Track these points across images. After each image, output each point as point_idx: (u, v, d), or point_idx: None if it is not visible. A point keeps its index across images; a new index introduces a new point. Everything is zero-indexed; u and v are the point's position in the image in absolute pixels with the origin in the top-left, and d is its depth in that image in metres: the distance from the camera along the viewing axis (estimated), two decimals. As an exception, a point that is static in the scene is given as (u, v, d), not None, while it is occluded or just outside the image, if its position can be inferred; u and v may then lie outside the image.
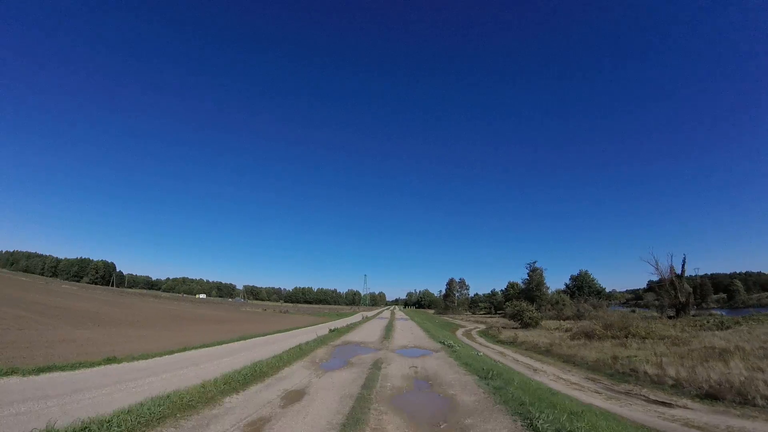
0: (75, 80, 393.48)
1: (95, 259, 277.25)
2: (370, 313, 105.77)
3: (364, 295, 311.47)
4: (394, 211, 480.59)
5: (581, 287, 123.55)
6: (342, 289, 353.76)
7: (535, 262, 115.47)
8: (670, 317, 63.34)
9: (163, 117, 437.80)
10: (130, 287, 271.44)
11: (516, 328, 65.07)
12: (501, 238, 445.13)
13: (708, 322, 50.92)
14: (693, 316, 64.87)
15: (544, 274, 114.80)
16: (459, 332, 62.25)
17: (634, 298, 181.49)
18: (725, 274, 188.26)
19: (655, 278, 73.59)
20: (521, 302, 70.36)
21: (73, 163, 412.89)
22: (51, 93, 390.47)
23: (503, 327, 69.82)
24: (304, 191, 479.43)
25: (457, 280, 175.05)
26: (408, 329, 50.19)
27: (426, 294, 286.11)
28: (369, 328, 47.53)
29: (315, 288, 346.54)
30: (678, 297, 65.97)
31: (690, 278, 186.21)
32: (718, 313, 79.86)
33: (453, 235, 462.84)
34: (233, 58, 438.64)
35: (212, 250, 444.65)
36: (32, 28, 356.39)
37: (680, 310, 64.93)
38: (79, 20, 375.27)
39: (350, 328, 46.71)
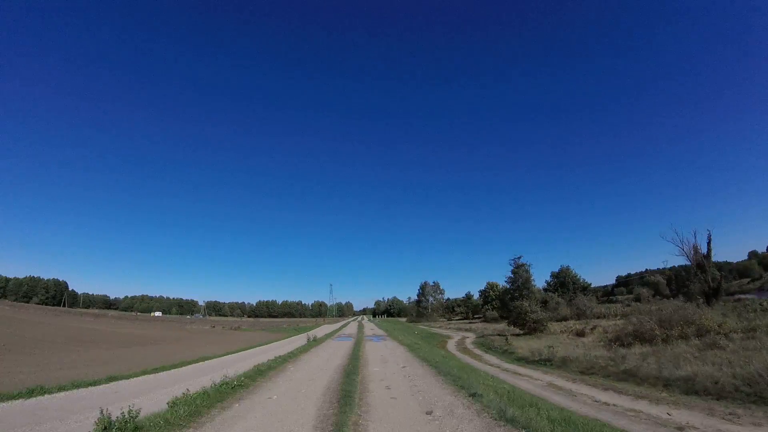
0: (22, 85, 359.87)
1: (46, 278, 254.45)
2: (333, 327, 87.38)
3: (331, 306, 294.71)
4: (358, 217, 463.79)
5: (564, 283, 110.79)
6: (308, 300, 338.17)
7: (520, 257, 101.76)
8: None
9: (119, 126, 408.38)
10: (85, 307, 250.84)
11: (518, 335, 51.71)
12: (471, 240, 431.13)
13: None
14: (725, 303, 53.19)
15: (531, 271, 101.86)
16: (450, 345, 48.30)
17: (604, 294, 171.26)
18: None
19: (680, 260, 60.94)
20: (522, 302, 56.82)
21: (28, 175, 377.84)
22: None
23: (499, 334, 56.46)
24: (267, 202, 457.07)
25: (431, 283, 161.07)
26: (389, 354, 32.11)
27: (395, 301, 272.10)
28: (328, 353, 33.36)
29: (280, 301, 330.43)
30: (708, 282, 53.69)
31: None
32: (751, 297, 68.62)
33: (421, 238, 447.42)
34: (204, 63, 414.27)
35: (174, 267, 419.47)
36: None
37: (711, 296, 52.59)
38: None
39: (302, 350, 32.92)
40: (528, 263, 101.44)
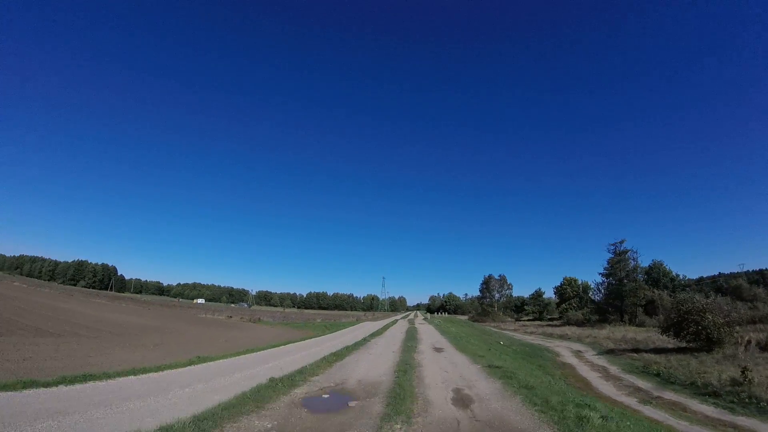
0: (74, 82, 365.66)
1: (94, 262, 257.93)
2: (376, 325, 64.92)
3: (382, 300, 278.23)
4: (412, 210, 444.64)
5: (657, 280, 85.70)
6: (360, 293, 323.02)
7: (622, 242, 78.27)
8: None
9: (170, 122, 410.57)
10: (137, 292, 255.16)
11: (683, 350, 30.72)
12: (536, 235, 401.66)
13: None
14: None
15: (639, 260, 77.47)
16: (582, 371, 27.14)
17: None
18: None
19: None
20: (693, 297, 34.68)
21: (81, 170, 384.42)
22: (48, 95, 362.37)
23: (634, 349, 35.64)
24: (320, 196, 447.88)
25: (496, 277, 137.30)
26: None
27: (451, 297, 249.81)
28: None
29: (330, 293, 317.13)
30: None
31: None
32: None
33: (480, 231, 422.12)
34: (235, 64, 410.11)
35: (229, 257, 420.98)
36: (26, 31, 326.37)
37: None
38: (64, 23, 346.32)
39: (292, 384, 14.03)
40: (634, 249, 78.34)
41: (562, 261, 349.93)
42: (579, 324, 79.57)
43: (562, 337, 56.68)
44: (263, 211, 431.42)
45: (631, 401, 19.65)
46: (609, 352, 37.05)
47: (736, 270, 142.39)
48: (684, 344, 33.95)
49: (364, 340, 32.23)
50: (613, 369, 28.11)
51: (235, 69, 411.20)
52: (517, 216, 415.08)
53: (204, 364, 17.48)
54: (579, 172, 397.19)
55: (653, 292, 72.65)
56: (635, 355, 33.32)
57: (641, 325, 66.13)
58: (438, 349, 27.43)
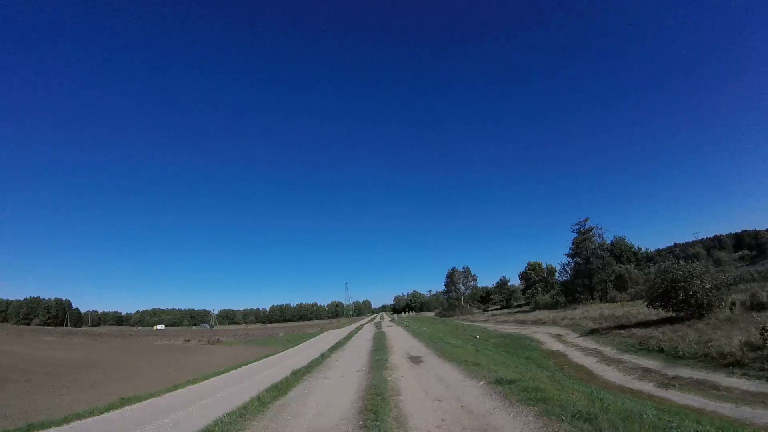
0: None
1: (46, 298, 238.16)
2: (343, 332, 58.81)
3: (347, 306, 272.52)
4: (371, 212, 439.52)
5: (620, 255, 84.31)
6: (324, 301, 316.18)
7: (586, 220, 76.45)
8: None
9: (115, 140, 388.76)
10: (94, 325, 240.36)
11: (669, 321, 28.28)
12: (490, 226, 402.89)
13: None
14: None
15: (604, 235, 75.58)
16: (586, 362, 23.18)
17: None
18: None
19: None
20: (679, 264, 31.68)
21: (26, 203, 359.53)
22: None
23: (620, 326, 33.21)
24: (278, 205, 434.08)
25: (460, 269, 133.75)
26: None
27: (415, 295, 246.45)
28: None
29: (294, 304, 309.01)
30: None
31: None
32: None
33: (437, 229, 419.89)
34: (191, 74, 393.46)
35: (187, 279, 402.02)
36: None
37: None
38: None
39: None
40: (599, 226, 76.73)
41: (525, 247, 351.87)
42: (549, 307, 77.34)
43: (536, 322, 53.77)
44: (218, 228, 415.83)
45: (649, 387, 16.17)
46: (593, 332, 33.96)
47: (691, 239, 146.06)
48: (671, 314, 31.25)
49: (322, 357, 24.20)
50: (607, 350, 24.79)
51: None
52: (476, 208, 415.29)
53: (121, 410, 12.88)
54: (532, 158, 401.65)
55: (620, 267, 71.11)
56: (623, 331, 30.25)
57: (613, 300, 64.29)
58: (415, 359, 20.18)
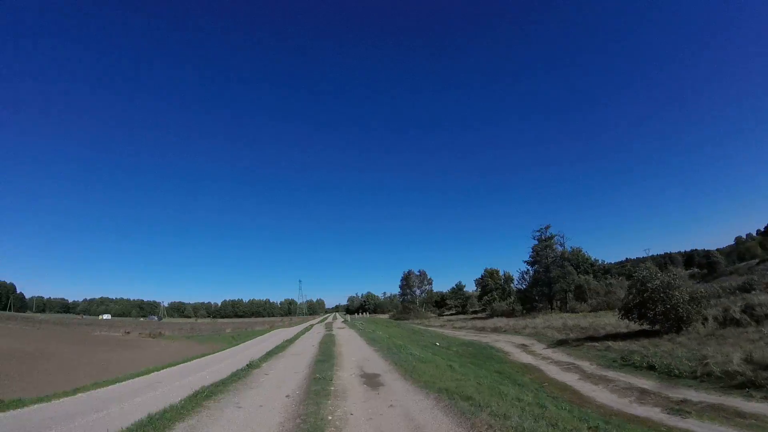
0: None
1: None
2: (292, 331, 54.51)
3: (300, 304, 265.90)
4: (328, 210, 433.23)
5: (577, 266, 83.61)
6: (278, 298, 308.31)
7: (547, 227, 74.68)
8: None
9: (68, 123, 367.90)
10: (39, 311, 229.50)
11: (646, 334, 26.10)
12: (447, 231, 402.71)
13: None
14: None
15: (568, 243, 73.81)
16: (582, 386, 19.50)
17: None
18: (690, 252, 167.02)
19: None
20: (658, 274, 29.11)
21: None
22: None
23: (590, 337, 30.80)
24: (230, 200, 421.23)
25: (416, 272, 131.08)
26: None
27: (370, 297, 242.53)
28: None
29: (247, 300, 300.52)
30: None
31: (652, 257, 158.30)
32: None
33: (394, 231, 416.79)
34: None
35: (137, 268, 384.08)
36: None
37: None
38: None
39: None
40: (560, 233, 75.09)
41: (481, 254, 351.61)
42: (506, 315, 75.42)
43: (496, 330, 51.09)
44: (170, 219, 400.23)
45: (657, 414, 13.02)
46: (561, 344, 31.16)
47: (642, 255, 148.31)
48: (646, 326, 28.88)
49: (249, 367, 18.42)
50: (586, 365, 21.70)
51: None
52: (433, 211, 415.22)
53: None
54: (491, 164, 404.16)
55: (580, 277, 69.72)
56: (596, 344, 27.47)
57: (573, 311, 62.71)
58: (371, 379, 14.73)
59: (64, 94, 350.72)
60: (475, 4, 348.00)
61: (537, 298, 72.66)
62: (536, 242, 74.60)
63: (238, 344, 38.43)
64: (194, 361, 24.00)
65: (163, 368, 20.21)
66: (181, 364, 22.18)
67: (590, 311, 58.81)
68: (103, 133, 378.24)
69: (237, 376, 15.77)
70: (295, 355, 23.74)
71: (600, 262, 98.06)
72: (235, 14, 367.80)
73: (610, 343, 26.58)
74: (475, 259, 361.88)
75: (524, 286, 79.03)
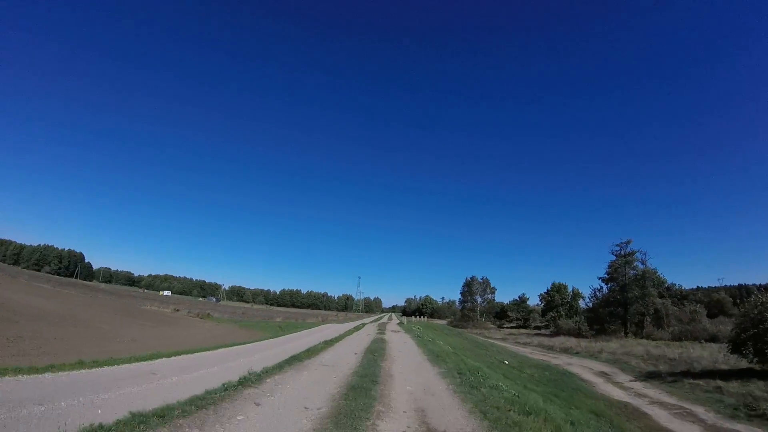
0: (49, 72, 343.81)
1: (61, 248, 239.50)
2: (341, 328, 48.81)
3: (357, 301, 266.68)
4: (391, 211, 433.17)
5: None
6: (335, 292, 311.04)
7: (629, 242, 68.77)
8: None
9: (147, 111, 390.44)
10: (106, 281, 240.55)
11: (751, 375, 22.42)
12: (512, 241, 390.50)
13: None
14: None
15: (648, 263, 67.27)
16: None
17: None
18: None
19: None
20: None
21: (55, 156, 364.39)
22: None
23: (700, 374, 27.13)
24: (299, 193, 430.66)
25: (479, 279, 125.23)
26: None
27: (427, 300, 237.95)
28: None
29: (305, 291, 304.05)
30: None
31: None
32: None
33: (456, 236, 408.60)
34: (224, 63, 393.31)
35: (203, 250, 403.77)
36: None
37: None
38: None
39: None
40: (641, 250, 68.20)
41: (546, 267, 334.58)
42: (573, 335, 70.31)
43: (566, 351, 47.13)
44: (239, 206, 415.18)
45: None
46: (652, 377, 27.36)
47: (715, 284, 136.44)
48: (756, 365, 24.56)
49: (256, 378, 11.96)
50: (700, 411, 18.23)
51: (223, 67, 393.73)
52: (499, 221, 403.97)
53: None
54: (565, 180, 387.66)
55: (659, 300, 63.39)
56: (699, 383, 23.62)
57: (649, 337, 57.03)
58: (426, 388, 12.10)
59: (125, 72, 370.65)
60: None
61: (607, 319, 66.95)
62: (614, 258, 68.54)
63: (282, 335, 36.67)
64: (216, 350, 21.17)
65: (193, 352, 18.41)
66: (216, 350, 20.62)
67: (671, 339, 53.30)
68: (179, 122, 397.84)
69: (224, 394, 9.90)
70: (326, 366, 16.39)
71: (677, 286, 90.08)
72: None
73: (719, 383, 22.66)
74: (539, 273, 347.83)
75: (595, 305, 73.36)
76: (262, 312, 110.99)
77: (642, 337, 57.55)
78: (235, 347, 22.93)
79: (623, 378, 28.39)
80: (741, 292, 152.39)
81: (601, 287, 73.36)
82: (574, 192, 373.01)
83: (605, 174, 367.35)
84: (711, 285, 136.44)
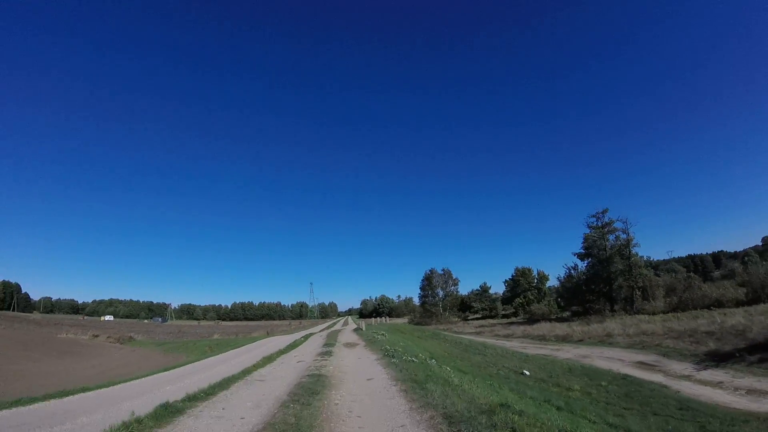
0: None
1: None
2: (280, 342, 35.66)
3: (312, 307, 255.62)
4: (340, 213, 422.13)
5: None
6: (289, 301, 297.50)
7: (605, 211, 61.83)
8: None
9: (77, 124, 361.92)
10: (47, 312, 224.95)
11: None
12: (470, 231, 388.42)
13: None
14: None
15: (630, 230, 59.70)
16: None
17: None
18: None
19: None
20: None
21: None
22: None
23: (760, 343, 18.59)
24: (241, 204, 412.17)
25: (439, 271, 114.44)
26: None
27: (384, 300, 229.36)
28: None
29: (257, 302, 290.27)
30: None
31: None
32: None
33: (410, 233, 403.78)
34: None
35: (148, 270, 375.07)
36: None
37: None
38: None
39: None
40: (621, 218, 59.47)
41: (505, 254, 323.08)
42: (549, 319, 63.44)
43: (563, 339, 39.46)
44: (183, 222, 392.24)
45: None
46: (725, 360, 19.45)
47: (665, 257, 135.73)
48: None
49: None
50: None
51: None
52: (453, 212, 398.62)
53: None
54: (510, 168, 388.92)
55: (645, 271, 56.76)
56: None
57: (642, 312, 50.50)
58: None
59: (67, 91, 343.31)
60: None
61: (590, 298, 60.13)
62: (590, 231, 61.58)
63: (205, 358, 28.57)
64: (101, 390, 12.64)
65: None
66: (77, 395, 11.40)
67: (670, 311, 46.96)
68: (112, 134, 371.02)
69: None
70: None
71: (645, 257, 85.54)
72: (240, 12, 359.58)
73: None
74: (498, 261, 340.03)
75: (571, 284, 66.38)
76: (206, 329, 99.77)
77: (634, 313, 50.87)
78: (125, 384, 15.70)
79: (681, 367, 20.40)
80: (697, 262, 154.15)
81: (576, 265, 66.68)
82: (527, 177, 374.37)
83: (554, 156, 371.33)
84: (662, 258, 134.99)
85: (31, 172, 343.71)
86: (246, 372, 15.86)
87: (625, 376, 18.95)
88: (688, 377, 18.45)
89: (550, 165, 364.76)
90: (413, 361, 16.07)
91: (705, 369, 19.26)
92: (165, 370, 21.68)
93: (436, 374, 13.07)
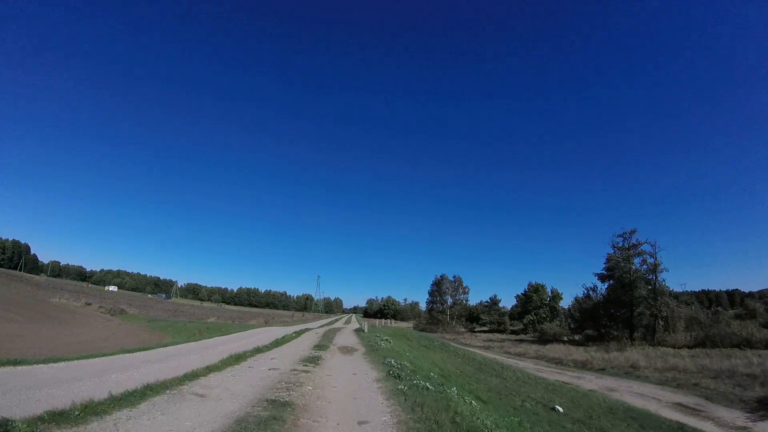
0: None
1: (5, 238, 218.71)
2: (268, 335, 32.56)
3: (317, 300, 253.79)
4: (351, 210, 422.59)
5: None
6: (295, 292, 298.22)
7: (633, 231, 58.10)
8: None
9: (100, 104, 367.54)
10: (54, 276, 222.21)
11: None
12: (482, 242, 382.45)
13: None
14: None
15: (658, 255, 55.30)
16: None
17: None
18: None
19: None
20: None
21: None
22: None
23: None
24: (258, 192, 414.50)
25: (450, 278, 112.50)
26: None
27: (390, 301, 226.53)
28: None
29: (263, 290, 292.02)
30: None
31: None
32: None
33: (422, 238, 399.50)
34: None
35: (158, 246, 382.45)
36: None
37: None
38: None
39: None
40: (650, 241, 56.13)
41: (518, 268, 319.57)
42: (560, 341, 61.02)
43: (583, 366, 37.14)
44: (198, 203, 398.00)
45: None
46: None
47: (678, 288, 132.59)
48: None
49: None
50: None
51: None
52: (467, 224, 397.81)
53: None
54: (533, 182, 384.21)
55: (671, 301, 53.80)
56: None
57: (662, 344, 47.82)
58: None
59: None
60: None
61: (608, 323, 57.42)
62: (614, 251, 58.67)
63: (189, 342, 26.61)
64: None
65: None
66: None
67: (693, 346, 44.37)
68: (144, 117, 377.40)
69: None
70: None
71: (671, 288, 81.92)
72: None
73: None
74: (510, 275, 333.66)
75: (589, 306, 63.58)
76: (206, 311, 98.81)
77: (654, 344, 48.24)
78: (93, 359, 14.31)
79: (731, 415, 18.14)
80: (709, 298, 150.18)
81: (595, 286, 63.91)
82: (546, 194, 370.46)
83: (577, 175, 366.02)
84: (675, 289, 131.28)
85: (55, 140, 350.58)
86: (191, 377, 11.33)
87: (682, 426, 16.42)
88: (744, 429, 16.22)
89: (570, 186, 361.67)
90: (428, 388, 11.70)
91: (762, 420, 17.01)
92: (151, 348, 19.99)
93: (466, 420, 8.73)
